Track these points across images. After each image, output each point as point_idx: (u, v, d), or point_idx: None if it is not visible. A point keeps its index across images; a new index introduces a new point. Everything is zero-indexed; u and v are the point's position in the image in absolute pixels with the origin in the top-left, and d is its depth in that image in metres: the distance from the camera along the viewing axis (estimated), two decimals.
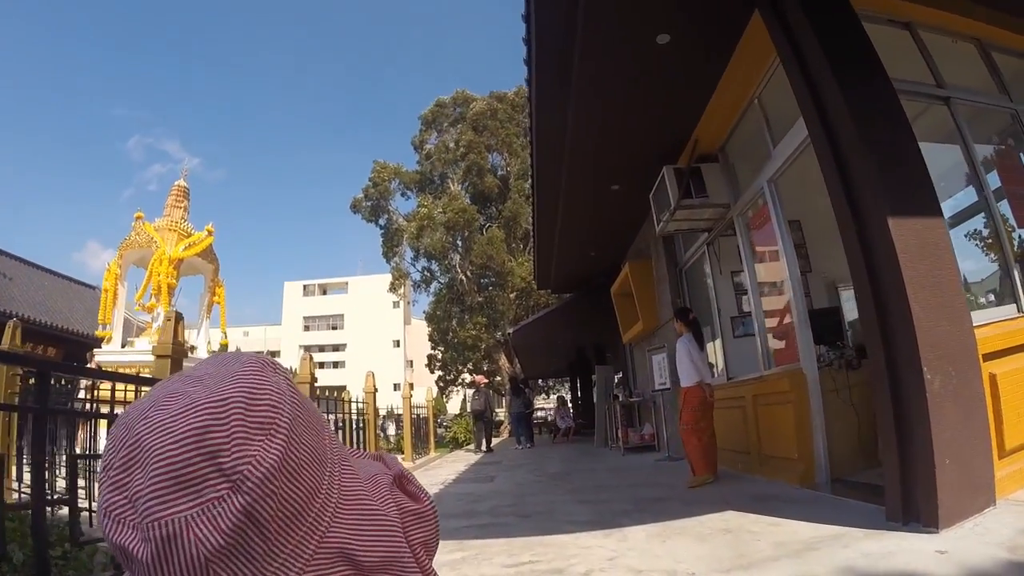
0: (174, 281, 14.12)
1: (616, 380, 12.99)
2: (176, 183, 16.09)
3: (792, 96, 4.66)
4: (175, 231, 14.43)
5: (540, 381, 33.45)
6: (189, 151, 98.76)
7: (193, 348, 15.82)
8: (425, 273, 24.51)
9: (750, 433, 5.05)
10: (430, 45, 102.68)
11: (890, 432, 3.12)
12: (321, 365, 51.13)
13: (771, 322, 5.17)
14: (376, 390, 10.17)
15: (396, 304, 47.79)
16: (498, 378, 22.72)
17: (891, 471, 3.12)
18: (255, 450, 0.36)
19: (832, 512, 3.45)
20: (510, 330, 14.14)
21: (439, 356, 25.52)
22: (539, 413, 24.26)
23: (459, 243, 22.58)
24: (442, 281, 24.08)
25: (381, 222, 25.23)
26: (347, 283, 56.07)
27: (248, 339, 50.43)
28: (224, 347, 16.19)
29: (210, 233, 15.03)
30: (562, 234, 9.00)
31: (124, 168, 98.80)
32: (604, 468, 7.03)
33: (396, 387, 37.39)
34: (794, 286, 4.67)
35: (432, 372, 26.79)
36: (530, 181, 7.92)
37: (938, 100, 4.28)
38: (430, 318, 24.75)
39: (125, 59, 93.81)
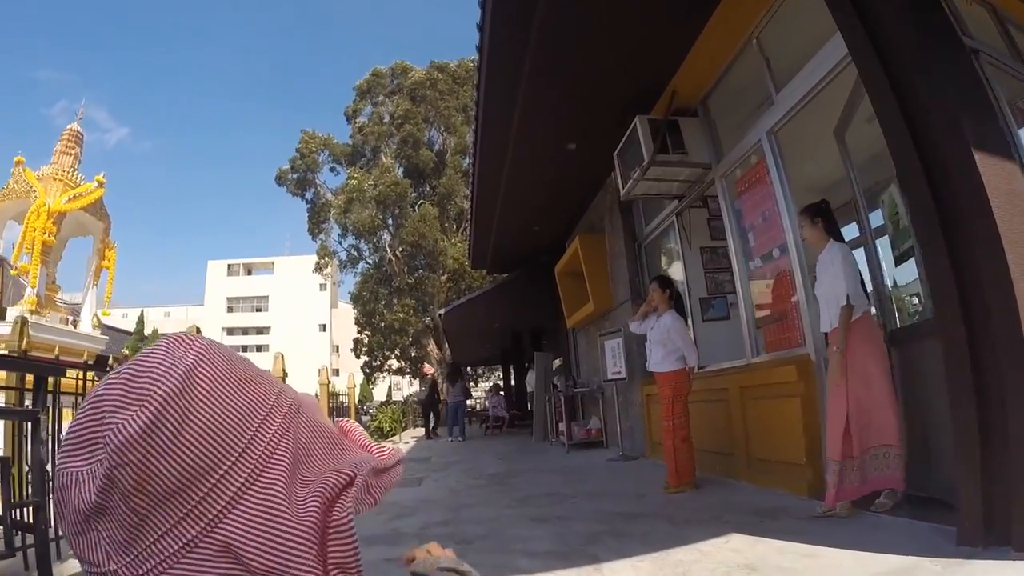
0: (52, 238, 12.05)
1: (555, 368, 12.18)
2: (69, 127, 13.91)
3: (803, 33, 3.93)
4: (61, 180, 12.34)
5: (468, 369, 32.42)
6: (118, 120, 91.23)
7: (76, 321, 13.72)
8: (352, 252, 22.91)
9: (735, 432, 4.24)
10: (370, 12, 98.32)
11: (972, 433, 2.32)
12: (244, 348, 49.05)
13: (762, 301, 4.38)
14: (286, 374, 8.82)
15: (323, 287, 46.54)
16: (427, 365, 21.53)
17: (969, 483, 2.33)
18: (122, 419, 0.37)
19: (872, 533, 2.65)
20: (441, 311, 12.98)
21: (365, 341, 23.98)
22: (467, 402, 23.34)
23: (390, 221, 21.10)
24: (370, 261, 22.55)
25: (307, 196, 23.44)
26: (273, 263, 53.89)
27: (169, 320, 48.58)
28: (106, 316, 14.13)
29: (101, 184, 12.96)
30: (505, 203, 7.93)
31: (48, 136, 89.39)
32: (551, 469, 6.09)
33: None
34: (798, 256, 3.88)
35: (358, 357, 25.23)
36: (473, 137, 6.83)
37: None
38: (355, 299, 23.13)
39: (50, 15, 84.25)
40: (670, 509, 3.60)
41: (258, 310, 52.52)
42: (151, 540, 0.37)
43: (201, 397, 0.39)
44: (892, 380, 3.09)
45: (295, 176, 23.15)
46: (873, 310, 3.45)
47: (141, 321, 40.43)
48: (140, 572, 0.37)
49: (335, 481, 0.42)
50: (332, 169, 23.43)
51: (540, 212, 8.41)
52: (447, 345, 19.61)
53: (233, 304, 52.67)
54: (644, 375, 6.30)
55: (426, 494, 5.15)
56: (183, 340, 0.42)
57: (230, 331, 50.46)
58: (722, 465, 4.38)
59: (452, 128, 20.91)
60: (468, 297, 12.57)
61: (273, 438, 0.42)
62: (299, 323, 49.78)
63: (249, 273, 54.20)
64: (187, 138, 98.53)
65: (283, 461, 0.41)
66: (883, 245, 4.00)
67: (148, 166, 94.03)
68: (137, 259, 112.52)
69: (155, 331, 23.87)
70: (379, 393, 39.11)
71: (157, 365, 0.39)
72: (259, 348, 49.05)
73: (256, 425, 0.41)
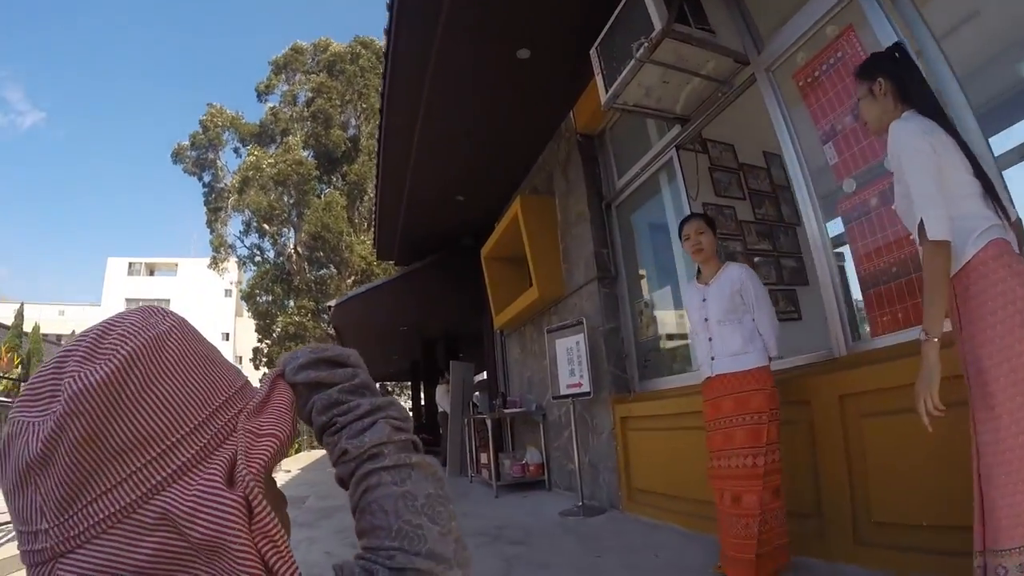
0: None
1: (475, 382, 10.09)
2: None
3: None
4: None
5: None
6: (34, 103, 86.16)
7: None
8: (254, 250, 19.93)
9: (828, 476, 2.36)
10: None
11: None
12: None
13: (862, 251, 2.58)
14: None
15: (228, 292, 42.94)
16: None
17: None
18: (85, 368, 0.37)
19: None
20: (331, 303, 10.49)
21: (265, 351, 20.87)
22: None
23: (294, 215, 18.37)
24: (271, 259, 19.67)
25: (206, 178, 20.28)
26: (177, 264, 48.92)
27: (64, 319, 43.54)
28: None
29: None
30: (420, 157, 5.78)
31: None
32: (480, 531, 3.90)
33: None
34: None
35: (257, 369, 22.08)
36: (385, 43, 4.76)
37: None
38: (248, 298, 20.04)
39: None
40: None
41: None
42: (88, 500, 0.36)
43: (168, 364, 0.40)
44: None
45: (194, 153, 20.05)
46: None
47: (20, 315, 36.23)
48: (72, 534, 0.35)
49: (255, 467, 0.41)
50: (236, 150, 20.53)
51: (468, 171, 6.35)
52: None
53: (132, 306, 47.10)
54: (618, 388, 4.39)
55: None
56: (159, 309, 0.44)
57: None
58: (797, 533, 2.49)
59: (371, 111, 18.61)
60: (369, 286, 10.18)
61: (228, 423, 0.42)
62: (202, 330, 45.64)
63: (151, 273, 49.10)
64: (101, 125, 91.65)
65: (230, 450, 0.41)
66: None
67: (61, 154, 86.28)
68: (35, 254, 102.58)
69: (36, 326, 20.61)
70: None
71: (130, 325, 0.40)
72: None
73: (215, 406, 0.42)
